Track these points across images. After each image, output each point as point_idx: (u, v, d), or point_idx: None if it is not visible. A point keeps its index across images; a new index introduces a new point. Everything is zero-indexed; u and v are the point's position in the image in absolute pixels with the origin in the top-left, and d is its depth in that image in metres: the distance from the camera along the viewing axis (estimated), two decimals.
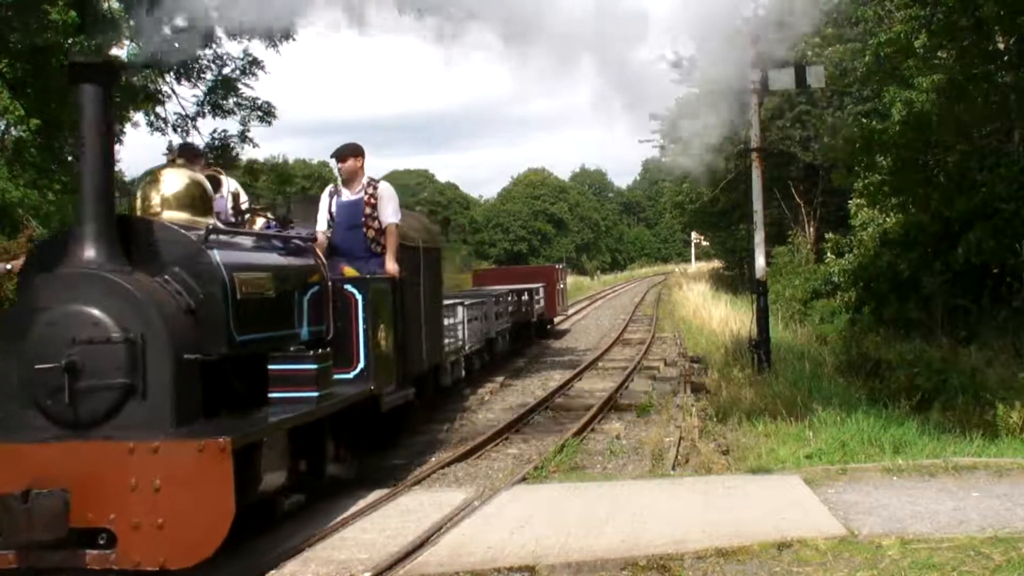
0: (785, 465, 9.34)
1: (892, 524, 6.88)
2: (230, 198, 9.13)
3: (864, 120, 23.75)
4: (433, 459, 11.44)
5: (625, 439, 12.42)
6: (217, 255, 7.10)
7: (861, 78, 23.30)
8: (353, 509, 8.35)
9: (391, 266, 9.59)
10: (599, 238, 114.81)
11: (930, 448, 9.56)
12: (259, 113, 18.53)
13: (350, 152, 9.78)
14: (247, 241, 8.17)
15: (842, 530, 6.77)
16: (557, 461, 10.47)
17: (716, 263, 69.83)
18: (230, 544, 6.42)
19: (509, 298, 22.63)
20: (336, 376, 8.25)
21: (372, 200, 9.67)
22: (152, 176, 7.84)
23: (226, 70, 18.45)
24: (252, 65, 18.44)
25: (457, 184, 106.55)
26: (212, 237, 7.19)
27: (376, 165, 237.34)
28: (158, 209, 7.61)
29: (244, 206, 9.13)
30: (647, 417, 13.86)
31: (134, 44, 14.83)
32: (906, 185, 19.70)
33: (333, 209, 9.72)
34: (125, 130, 17.56)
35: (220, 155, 18.25)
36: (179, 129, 18.34)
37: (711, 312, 29.93)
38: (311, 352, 7.58)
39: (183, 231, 7.14)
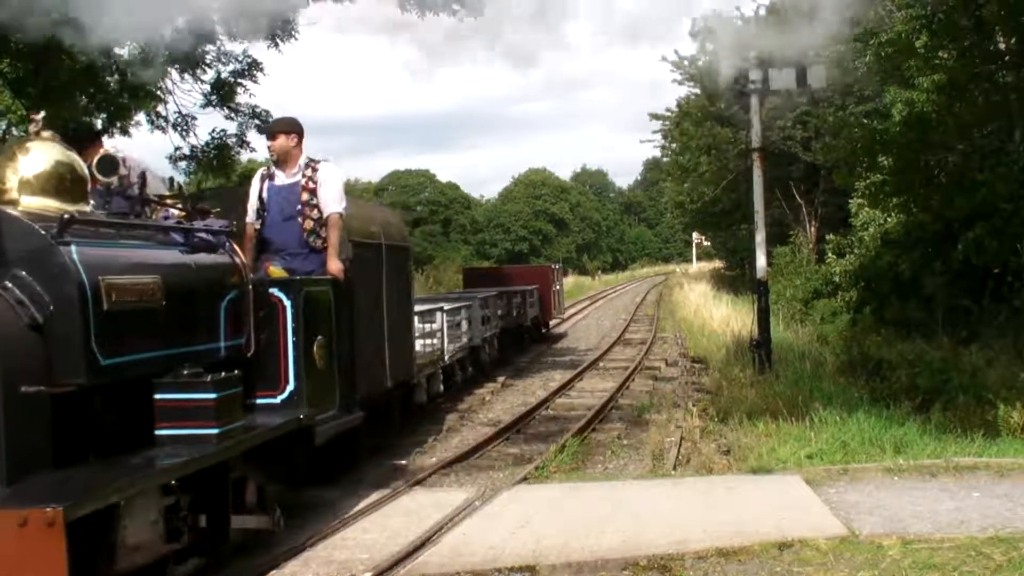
0: (786, 465, 9.34)
1: (893, 524, 6.88)
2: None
3: (865, 120, 23.75)
4: (434, 459, 11.45)
5: (626, 439, 12.43)
6: (75, 252, 5.36)
7: (862, 78, 23.30)
8: (354, 509, 8.35)
9: (333, 264, 7.89)
10: (600, 238, 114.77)
11: (931, 448, 9.56)
12: (257, 121, 18.48)
13: (281, 127, 8.14)
14: (127, 235, 6.19)
15: (843, 530, 6.77)
16: (558, 461, 10.47)
17: (717, 263, 69.81)
18: (230, 544, 6.42)
19: (499, 301, 21.18)
20: (260, 401, 6.91)
21: (311, 184, 7.94)
22: (9, 152, 6.13)
23: (227, 69, 18.43)
24: (252, 67, 18.41)
25: (458, 184, 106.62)
26: (72, 229, 5.45)
27: (376, 165, 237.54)
28: (14, 195, 5.89)
29: (163, 195, 7.31)
30: (648, 417, 13.85)
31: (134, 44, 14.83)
32: (907, 185, 19.69)
33: (264, 196, 8.03)
34: (129, 129, 17.55)
35: (218, 155, 18.22)
36: (179, 127, 18.30)
37: (712, 312, 29.92)
38: (208, 377, 5.85)
39: (29, 222, 5.40)
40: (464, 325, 17.42)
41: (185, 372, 5.89)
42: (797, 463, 9.38)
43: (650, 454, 11.15)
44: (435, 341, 15.03)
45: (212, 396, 5.82)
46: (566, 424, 13.52)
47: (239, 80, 18.30)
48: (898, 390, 13.50)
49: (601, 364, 21.09)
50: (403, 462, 11.46)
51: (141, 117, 17.95)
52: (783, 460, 9.61)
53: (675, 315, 35.41)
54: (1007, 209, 16.99)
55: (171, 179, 8.26)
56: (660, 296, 50.79)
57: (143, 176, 7.02)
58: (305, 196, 7.93)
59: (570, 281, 68.10)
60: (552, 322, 30.18)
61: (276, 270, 7.64)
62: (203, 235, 6.80)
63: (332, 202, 7.96)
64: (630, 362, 20.81)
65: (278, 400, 7.01)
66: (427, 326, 14.68)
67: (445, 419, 14.38)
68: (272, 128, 8.27)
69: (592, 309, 43.84)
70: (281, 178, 8.05)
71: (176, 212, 7.07)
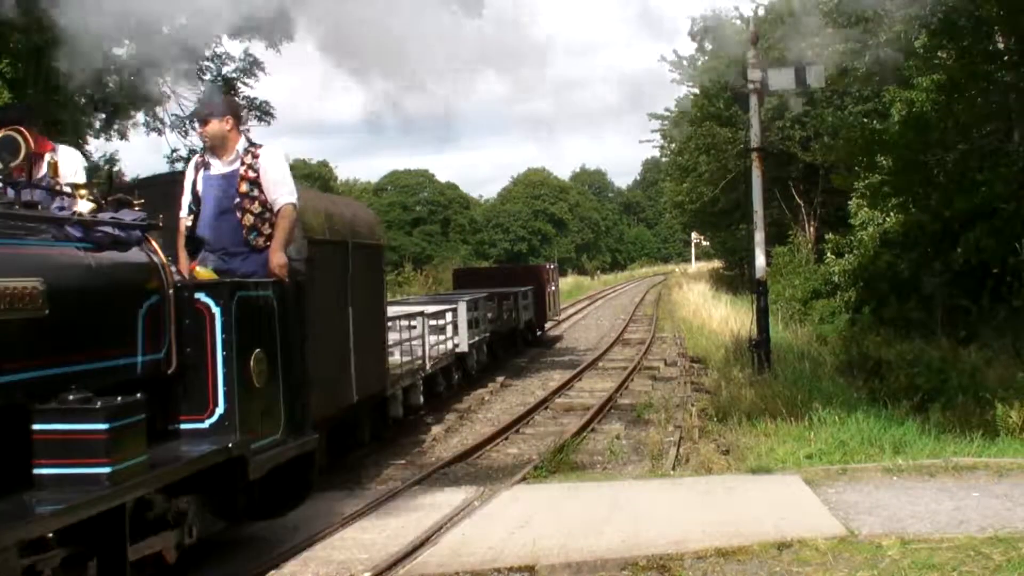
0: (785, 465, 9.34)
1: (892, 524, 6.88)
2: (47, 169, 6.32)
3: (864, 120, 23.76)
4: (433, 459, 11.46)
5: (625, 439, 12.43)
6: None
7: (861, 78, 23.30)
8: (353, 509, 8.35)
9: (274, 259, 6.63)
10: (599, 238, 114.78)
11: (930, 448, 9.56)
12: (257, 113, 18.49)
13: (212, 110, 6.84)
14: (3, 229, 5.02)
15: (842, 530, 6.77)
16: (557, 461, 10.47)
17: (716, 263, 69.79)
18: (230, 543, 6.43)
19: (489, 303, 20.11)
20: (184, 426, 5.82)
21: (250, 173, 6.70)
22: None
23: (225, 70, 18.46)
24: (253, 66, 18.44)
25: (457, 184, 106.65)
26: None
27: (377, 165, 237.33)
28: None
29: (75, 184, 6.00)
30: (647, 417, 13.86)
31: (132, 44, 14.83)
32: (906, 185, 19.71)
33: (199, 187, 6.84)
34: (128, 129, 17.56)
35: None
36: (176, 130, 18.33)
37: (711, 312, 29.93)
38: (98, 402, 4.75)
39: None
40: (449, 330, 16.36)
41: (71, 397, 4.75)
42: (796, 463, 9.39)
43: (649, 454, 11.16)
44: (416, 348, 14.06)
45: (103, 427, 4.71)
46: (565, 424, 13.52)
47: (240, 80, 18.32)
48: (897, 390, 13.51)
49: (600, 364, 21.09)
50: (402, 462, 11.48)
51: (140, 117, 17.96)
52: (782, 460, 9.62)
53: (674, 315, 35.41)
54: (1006, 209, 17.00)
55: (108, 167, 7.19)
56: (659, 296, 50.80)
57: (28, 159, 5.96)
58: (244, 187, 6.70)
59: (569, 281, 68.13)
60: (548, 325, 29.25)
61: (204, 271, 6.43)
62: (109, 229, 5.60)
63: (280, 191, 6.76)
64: (629, 362, 20.82)
65: (206, 425, 5.82)
66: (407, 332, 13.75)
67: (445, 419, 14.40)
68: (201, 112, 6.99)
69: (591, 309, 43.84)
70: (217, 167, 6.81)
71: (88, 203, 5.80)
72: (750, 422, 11.76)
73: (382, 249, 11.93)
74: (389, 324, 12.71)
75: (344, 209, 11.08)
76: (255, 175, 6.74)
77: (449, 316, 16.48)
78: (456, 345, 16.75)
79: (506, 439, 12.68)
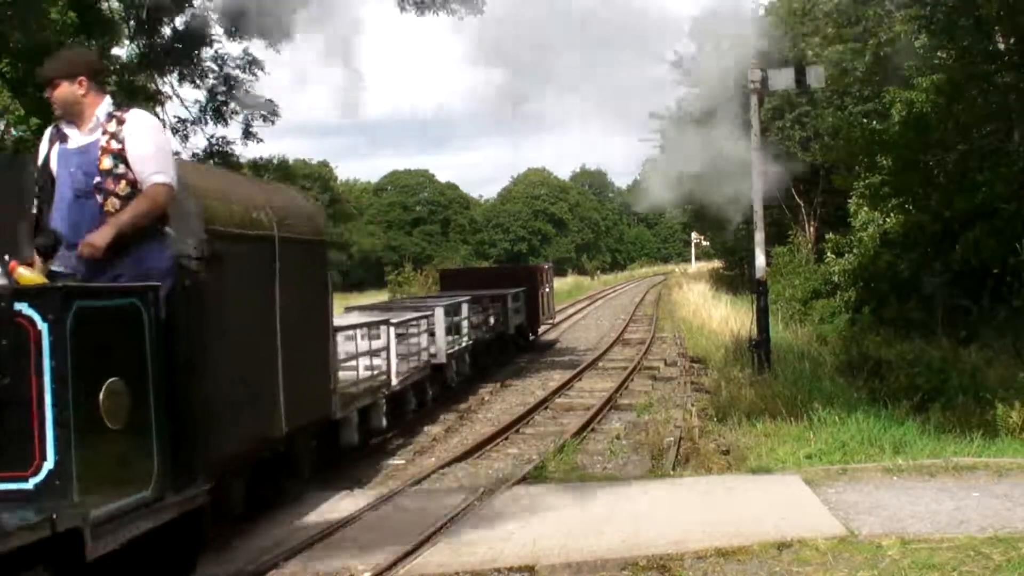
0: (785, 465, 9.35)
1: (892, 524, 6.89)
2: None
3: (864, 120, 23.76)
4: (433, 459, 11.45)
5: (625, 439, 12.43)
6: None
7: (861, 78, 23.32)
8: (353, 509, 8.35)
9: (90, 239, 5.02)
10: (599, 238, 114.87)
11: (930, 448, 9.57)
12: (262, 113, 18.48)
13: (60, 69, 5.34)
14: None
15: (842, 530, 6.77)
16: (557, 461, 10.47)
17: (716, 263, 69.80)
18: (231, 543, 6.42)
19: (474, 307, 18.48)
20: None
21: (114, 144, 5.22)
22: None
23: (226, 72, 18.44)
24: (251, 65, 18.43)
25: (457, 184, 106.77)
26: None
27: (377, 164, 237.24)
28: None
29: None
30: (647, 417, 13.86)
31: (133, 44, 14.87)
32: (906, 185, 19.71)
33: (53, 164, 5.35)
34: None
35: (221, 160, 18.19)
36: (178, 132, 18.31)
37: (711, 312, 29.92)
38: None
39: None
40: (423, 340, 14.68)
41: None
42: (796, 463, 9.39)
43: (649, 454, 11.16)
44: (380, 363, 12.40)
45: None
46: (565, 424, 13.52)
47: (242, 80, 18.32)
48: (897, 390, 13.50)
49: (600, 364, 21.09)
50: (402, 462, 11.48)
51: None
52: (782, 460, 9.62)
53: (674, 315, 35.41)
54: (1007, 209, 17.01)
55: None
56: (659, 296, 50.80)
57: None
58: (106, 162, 5.20)
59: (569, 281, 68.15)
60: (542, 329, 27.64)
61: (29, 274, 4.77)
62: None
63: (148, 166, 5.22)
64: (629, 362, 20.82)
65: (29, 485, 4.17)
66: (370, 344, 12.04)
67: (445, 419, 14.40)
68: (46, 73, 5.38)
69: (591, 309, 43.84)
70: (75, 138, 5.32)
71: None
72: (750, 422, 11.76)
73: (325, 245, 9.91)
74: (349, 334, 11.46)
75: (274, 196, 9.16)
76: (119, 147, 5.23)
77: (423, 324, 14.82)
78: (433, 356, 15.16)
79: (506, 439, 12.68)
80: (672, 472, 9.85)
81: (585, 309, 43.29)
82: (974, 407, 11.94)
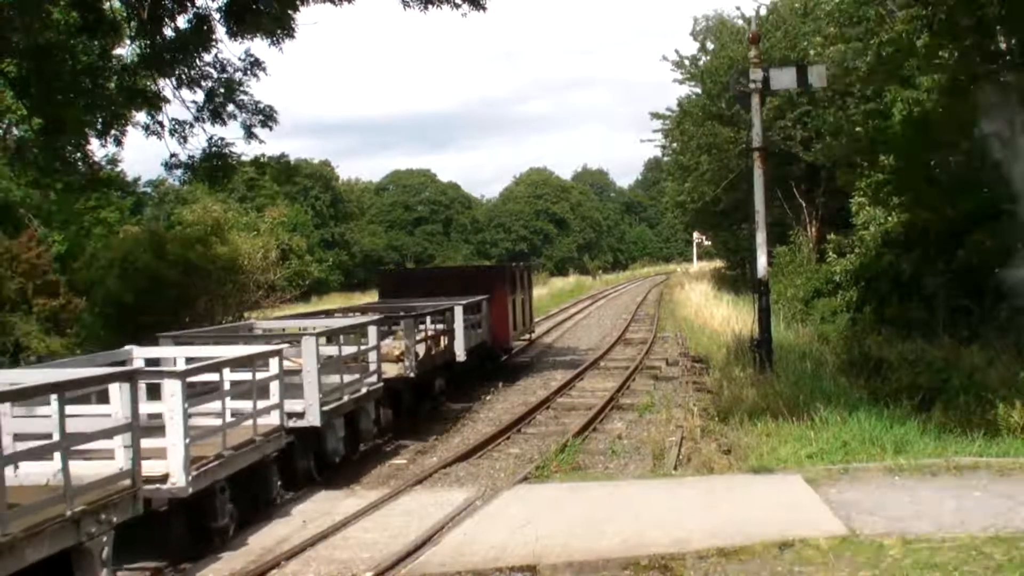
0: (787, 465, 9.35)
1: (894, 523, 6.89)
2: None
3: (866, 120, 23.74)
4: (435, 459, 11.46)
5: (627, 439, 12.43)
6: None
7: (863, 78, 23.29)
8: (355, 509, 8.36)
9: None
10: (601, 237, 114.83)
11: (932, 447, 9.56)
12: (260, 117, 18.41)
13: None
14: None
15: (844, 529, 6.77)
16: (559, 460, 10.48)
17: (718, 263, 69.74)
18: (231, 543, 6.43)
19: (409, 325, 13.39)
20: None
21: None
22: None
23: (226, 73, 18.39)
24: (254, 66, 18.39)
25: (459, 184, 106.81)
26: None
27: (378, 164, 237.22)
28: None
29: None
30: (649, 417, 13.86)
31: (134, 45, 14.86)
32: (908, 184, 19.69)
33: None
34: (126, 130, 17.53)
35: (216, 166, 18.11)
36: (176, 134, 18.27)
37: (713, 312, 29.91)
38: None
39: None
40: (274, 390, 9.26)
41: None
42: (798, 463, 9.39)
43: (651, 454, 11.16)
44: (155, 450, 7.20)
45: None
46: (567, 424, 13.53)
47: (241, 84, 18.27)
48: (898, 390, 13.50)
49: (602, 364, 21.09)
50: (404, 461, 11.49)
51: (141, 117, 17.92)
52: (784, 460, 9.62)
53: (676, 315, 35.40)
54: (1009, 210, 16.98)
55: None
56: (661, 296, 50.80)
57: None
58: None
59: (571, 280, 68.18)
60: (517, 344, 22.28)
61: None
62: None
63: None
64: (631, 362, 20.82)
65: None
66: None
67: (446, 419, 14.40)
68: None
69: (593, 308, 43.85)
70: None
71: None
72: (752, 422, 11.76)
73: None
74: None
75: None
76: None
77: (274, 367, 9.30)
78: (299, 414, 9.71)
79: (508, 439, 12.68)
80: (674, 472, 9.86)
81: (587, 308, 43.30)
82: (975, 407, 11.94)
